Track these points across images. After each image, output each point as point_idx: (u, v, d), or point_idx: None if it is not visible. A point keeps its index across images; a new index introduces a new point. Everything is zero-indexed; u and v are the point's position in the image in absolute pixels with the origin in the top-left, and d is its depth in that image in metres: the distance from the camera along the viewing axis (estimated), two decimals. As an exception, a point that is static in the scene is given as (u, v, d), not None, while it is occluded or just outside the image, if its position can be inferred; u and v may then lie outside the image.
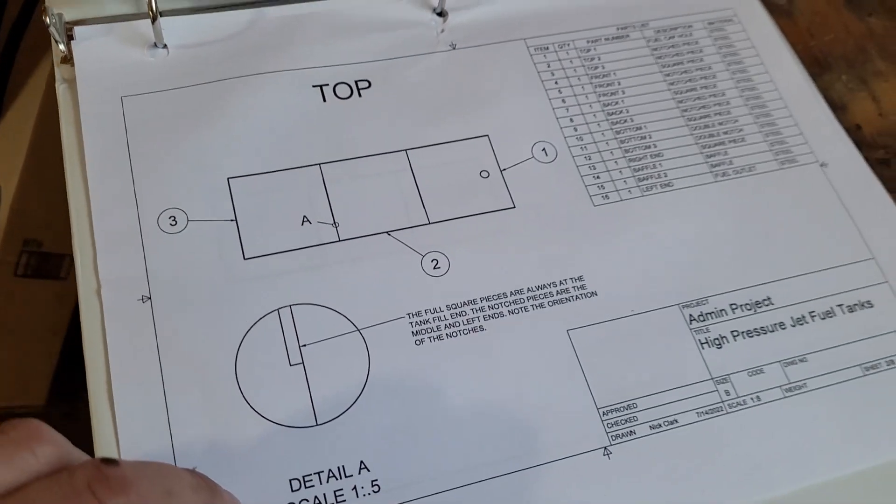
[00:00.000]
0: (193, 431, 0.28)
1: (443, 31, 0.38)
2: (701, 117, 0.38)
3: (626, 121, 0.37)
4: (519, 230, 0.34)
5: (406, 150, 0.35)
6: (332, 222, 0.32)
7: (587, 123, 0.37)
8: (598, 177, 0.36)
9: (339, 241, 0.32)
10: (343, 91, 0.36)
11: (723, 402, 0.31)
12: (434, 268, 0.32)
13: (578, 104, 0.37)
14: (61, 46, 0.34)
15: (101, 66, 0.34)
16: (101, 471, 0.19)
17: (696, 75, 0.39)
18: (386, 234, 0.32)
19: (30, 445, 0.19)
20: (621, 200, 0.35)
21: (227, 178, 0.33)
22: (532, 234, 0.34)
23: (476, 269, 0.32)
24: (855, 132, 0.41)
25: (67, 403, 0.62)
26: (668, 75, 0.39)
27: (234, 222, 0.32)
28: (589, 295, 0.33)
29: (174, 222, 0.31)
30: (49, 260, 0.56)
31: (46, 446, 0.19)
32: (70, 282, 0.58)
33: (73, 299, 0.59)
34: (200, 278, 0.30)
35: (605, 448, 0.29)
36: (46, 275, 0.56)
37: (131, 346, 0.29)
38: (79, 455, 0.20)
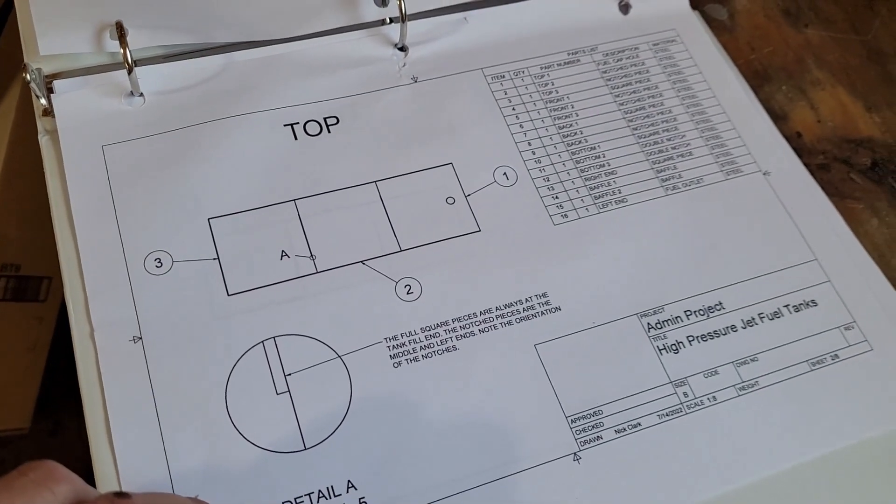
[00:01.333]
0: (189, 462, 0.29)
1: (404, 65, 0.40)
2: (650, 134, 0.40)
3: (580, 141, 0.40)
4: (485, 252, 0.36)
5: (376, 181, 0.37)
6: (309, 255, 0.34)
7: (544, 146, 0.39)
8: (556, 197, 0.38)
9: (317, 272, 0.34)
10: (313, 128, 0.38)
11: (682, 403, 0.33)
12: (407, 293, 0.34)
13: (535, 128, 0.40)
14: (42, 100, 0.36)
15: (81, 117, 0.36)
16: (115, 503, 0.21)
17: (644, 94, 0.41)
18: (361, 264, 0.34)
19: (48, 485, 0.21)
20: (579, 218, 0.37)
21: (208, 219, 0.34)
22: (498, 256, 0.36)
23: (447, 291, 0.35)
24: (796, 140, 0.43)
25: (51, 419, 0.63)
26: (617, 96, 0.41)
27: (217, 261, 0.34)
28: (553, 310, 0.35)
29: (160, 264, 0.33)
30: (28, 283, 0.56)
31: (63, 485, 0.21)
32: (49, 303, 0.59)
33: (53, 320, 0.60)
34: (188, 316, 0.32)
35: (575, 454, 0.32)
36: (26, 298, 0.57)
37: (126, 385, 0.31)
38: (93, 491, 0.22)
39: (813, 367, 0.35)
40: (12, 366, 0.58)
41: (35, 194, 0.51)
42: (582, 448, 0.32)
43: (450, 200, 0.37)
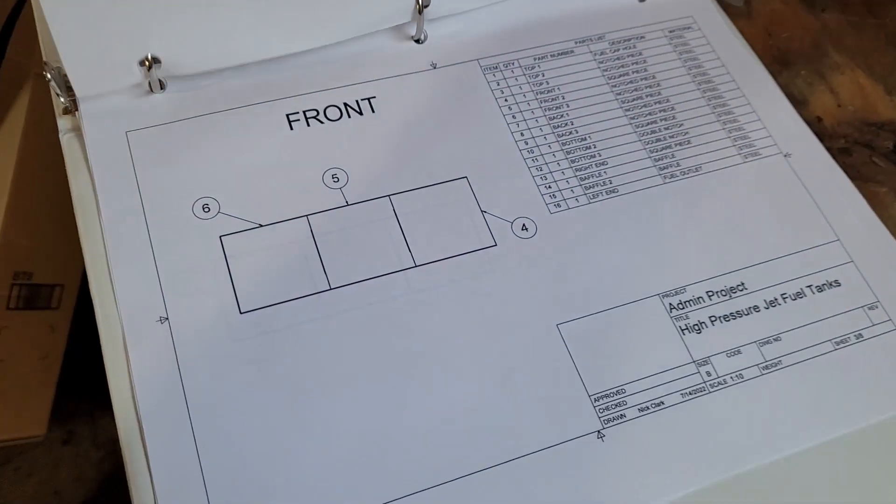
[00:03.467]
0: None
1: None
2: (661, 120, 0.40)
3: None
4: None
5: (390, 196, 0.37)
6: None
7: (540, 136, 0.40)
8: (549, 186, 0.38)
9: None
10: (333, 114, 0.38)
11: (705, 382, 0.33)
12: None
13: (527, 120, 0.40)
14: (62, 99, 0.37)
15: (103, 109, 0.37)
16: None
17: (660, 79, 0.42)
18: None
19: None
20: (587, 203, 0.38)
21: (220, 237, 0.35)
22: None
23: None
24: (816, 124, 0.43)
25: (65, 428, 0.64)
26: (640, 83, 0.41)
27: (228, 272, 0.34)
28: (572, 291, 0.35)
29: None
30: (40, 291, 0.57)
31: None
32: (62, 311, 0.60)
33: (66, 327, 0.61)
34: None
35: (599, 432, 0.32)
36: (38, 306, 0.57)
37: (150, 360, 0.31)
38: None
39: (837, 347, 0.35)
40: (26, 374, 0.58)
41: (45, 203, 0.51)
42: (605, 426, 0.32)
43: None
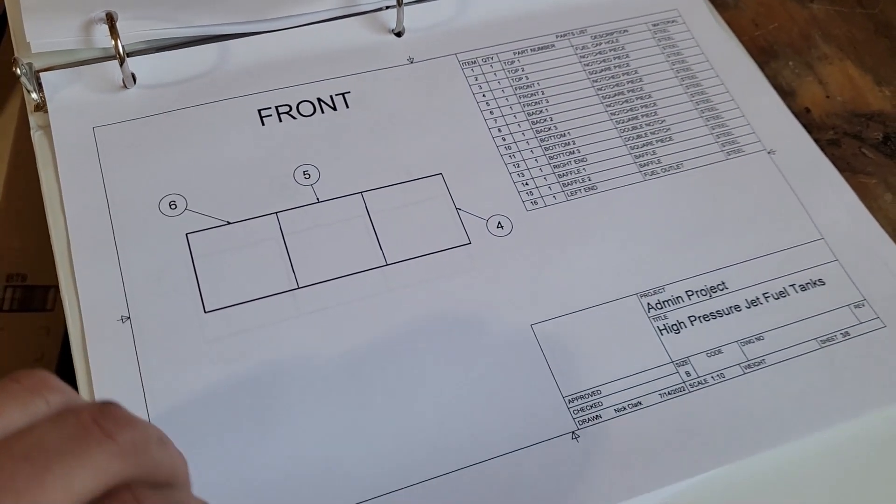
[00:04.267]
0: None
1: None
2: (643, 116, 0.40)
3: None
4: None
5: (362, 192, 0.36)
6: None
7: (519, 132, 0.39)
8: (526, 182, 0.37)
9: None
10: (306, 109, 0.38)
11: (684, 382, 0.33)
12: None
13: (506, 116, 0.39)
14: (34, 95, 0.36)
15: (73, 106, 0.36)
16: (105, 408, 0.20)
17: (640, 75, 0.41)
18: None
19: (41, 393, 0.20)
20: (567, 200, 0.37)
21: (186, 234, 0.34)
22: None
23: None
24: (804, 116, 0.42)
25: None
26: (622, 78, 0.41)
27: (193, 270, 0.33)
28: (548, 291, 0.34)
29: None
30: (34, 293, 0.56)
31: (56, 394, 0.20)
32: (57, 312, 0.59)
33: (62, 330, 0.60)
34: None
35: (573, 433, 0.31)
36: (33, 307, 0.57)
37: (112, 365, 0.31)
38: (85, 403, 0.22)
39: (823, 345, 0.34)
40: (20, 377, 0.58)
41: (38, 204, 0.51)
42: (580, 427, 0.31)
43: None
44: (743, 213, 0.37)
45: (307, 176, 0.36)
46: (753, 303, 0.35)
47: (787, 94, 0.43)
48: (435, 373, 0.32)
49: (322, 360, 0.32)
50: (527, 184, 0.37)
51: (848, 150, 0.42)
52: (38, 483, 0.17)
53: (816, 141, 0.40)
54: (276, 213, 0.35)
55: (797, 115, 0.41)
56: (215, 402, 0.30)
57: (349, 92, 0.38)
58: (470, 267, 0.34)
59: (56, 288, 0.59)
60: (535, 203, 0.37)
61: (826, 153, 0.40)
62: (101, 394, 0.30)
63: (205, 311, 0.32)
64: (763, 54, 0.44)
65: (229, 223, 0.34)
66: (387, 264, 0.34)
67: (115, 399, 0.21)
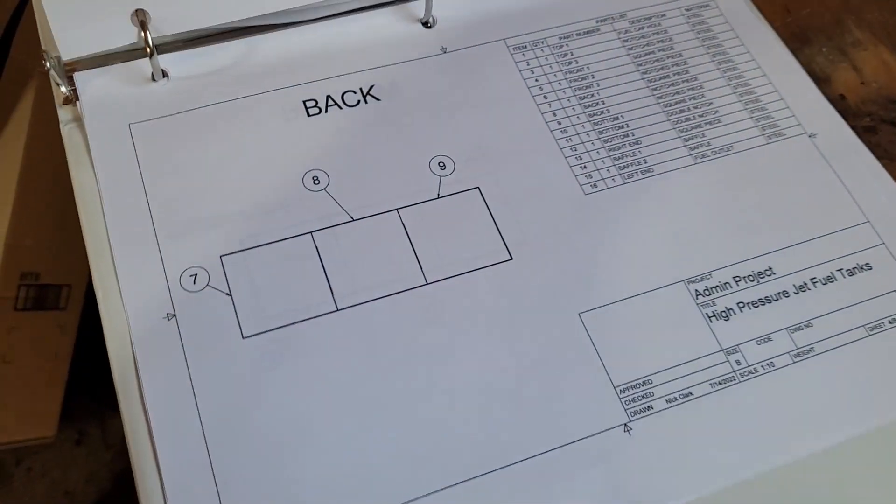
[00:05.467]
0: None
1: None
2: (690, 98, 0.39)
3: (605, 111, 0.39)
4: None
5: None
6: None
7: (569, 117, 0.38)
8: (584, 167, 0.37)
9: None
10: (337, 101, 0.37)
11: (734, 371, 0.32)
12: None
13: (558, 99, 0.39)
14: (63, 88, 0.35)
15: (105, 99, 0.35)
16: None
17: (674, 61, 0.40)
18: None
19: None
20: (607, 188, 0.36)
21: (220, 256, 0.33)
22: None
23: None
24: (839, 102, 0.42)
25: (75, 428, 0.63)
26: (667, 61, 0.40)
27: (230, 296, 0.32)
28: (595, 278, 0.34)
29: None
30: (48, 291, 0.56)
31: None
32: (70, 311, 0.59)
33: (75, 328, 0.60)
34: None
35: (626, 425, 0.30)
36: (46, 306, 0.57)
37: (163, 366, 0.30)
38: None
39: (870, 332, 0.33)
40: (35, 375, 0.58)
41: (51, 203, 0.51)
42: (632, 419, 0.31)
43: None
44: (787, 196, 0.37)
45: (316, 182, 0.35)
46: (801, 288, 0.34)
47: (821, 80, 0.42)
48: (481, 366, 0.31)
49: (376, 347, 0.31)
50: (585, 167, 0.37)
51: (885, 138, 0.41)
52: None
53: (853, 128, 0.39)
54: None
55: (832, 102, 0.40)
56: (262, 399, 0.30)
57: (373, 86, 0.38)
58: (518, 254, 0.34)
59: (69, 287, 0.59)
60: (595, 186, 0.36)
61: (863, 140, 0.39)
62: (150, 393, 0.29)
63: (243, 338, 0.31)
64: (795, 40, 0.44)
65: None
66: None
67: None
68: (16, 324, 0.56)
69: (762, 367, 0.32)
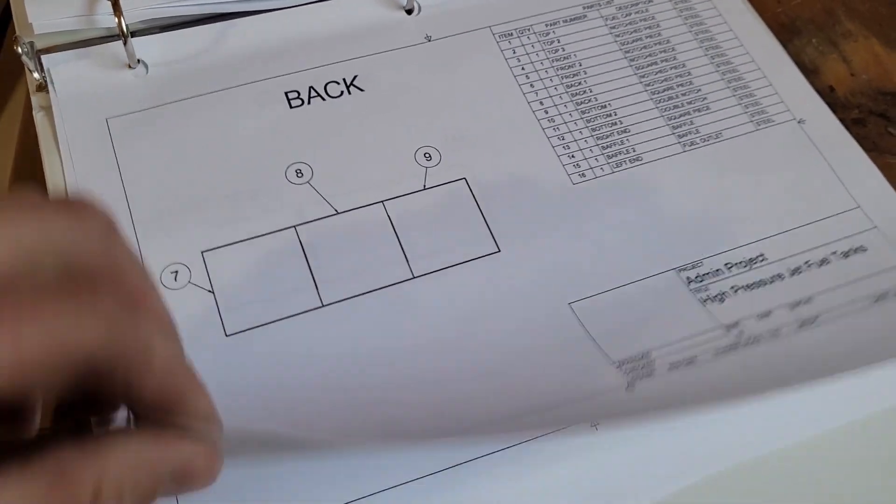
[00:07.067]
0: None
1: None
2: (678, 86, 0.39)
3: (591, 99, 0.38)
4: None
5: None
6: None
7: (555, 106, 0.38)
8: (572, 155, 0.36)
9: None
10: (320, 92, 0.36)
11: (738, 341, 0.31)
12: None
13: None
14: (35, 74, 0.35)
15: (78, 89, 0.35)
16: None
17: (662, 48, 0.40)
18: None
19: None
20: (596, 178, 0.36)
21: (201, 252, 0.32)
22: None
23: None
24: (828, 94, 0.41)
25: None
26: (654, 48, 0.40)
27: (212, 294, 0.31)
28: (582, 269, 0.33)
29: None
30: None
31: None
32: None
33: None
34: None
35: (629, 384, 0.29)
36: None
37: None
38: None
39: (877, 301, 0.32)
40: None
41: (46, 192, 0.50)
42: (634, 381, 0.29)
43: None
44: (776, 182, 0.36)
45: (299, 175, 0.34)
46: (796, 271, 0.34)
47: (810, 72, 0.42)
48: (468, 357, 0.30)
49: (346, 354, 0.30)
50: (573, 156, 0.36)
51: (874, 130, 0.41)
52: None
53: (842, 120, 0.39)
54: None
55: (821, 93, 0.40)
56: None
57: (357, 76, 0.37)
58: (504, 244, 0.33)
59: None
60: (583, 175, 0.35)
61: (851, 133, 0.39)
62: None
63: (226, 335, 0.30)
64: (785, 31, 0.43)
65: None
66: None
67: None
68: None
69: (766, 335, 0.31)
